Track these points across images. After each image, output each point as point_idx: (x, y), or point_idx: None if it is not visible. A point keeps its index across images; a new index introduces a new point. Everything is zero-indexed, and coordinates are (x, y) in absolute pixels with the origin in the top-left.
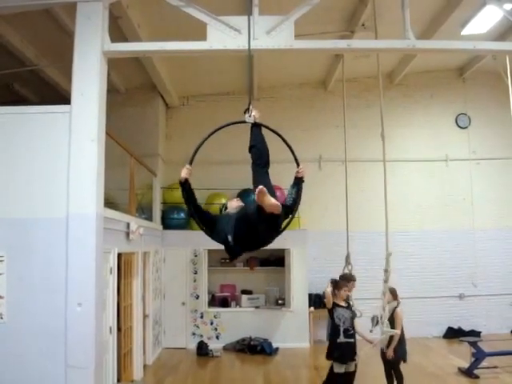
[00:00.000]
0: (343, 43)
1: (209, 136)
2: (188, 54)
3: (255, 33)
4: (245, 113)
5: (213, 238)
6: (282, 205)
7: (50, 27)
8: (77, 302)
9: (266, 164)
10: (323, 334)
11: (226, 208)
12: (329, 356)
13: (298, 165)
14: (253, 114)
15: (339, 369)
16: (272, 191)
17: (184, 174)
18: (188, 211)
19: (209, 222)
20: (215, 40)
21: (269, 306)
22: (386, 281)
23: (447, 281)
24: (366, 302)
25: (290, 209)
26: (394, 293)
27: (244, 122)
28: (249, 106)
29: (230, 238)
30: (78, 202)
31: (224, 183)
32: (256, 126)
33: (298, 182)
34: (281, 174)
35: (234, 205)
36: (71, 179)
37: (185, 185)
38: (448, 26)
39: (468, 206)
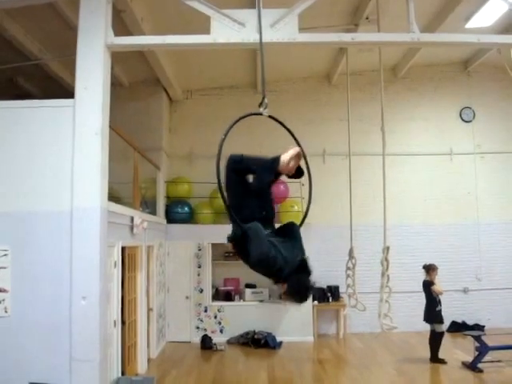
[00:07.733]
0: (347, 36)
1: (224, 137)
2: (192, 47)
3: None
4: (259, 106)
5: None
6: None
7: (53, 21)
8: (81, 295)
9: None
10: (327, 327)
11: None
12: (430, 320)
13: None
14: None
15: (442, 328)
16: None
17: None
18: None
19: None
20: (219, 33)
21: (273, 299)
22: (383, 274)
23: (451, 275)
24: (369, 295)
25: None
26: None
27: (261, 114)
28: (263, 99)
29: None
30: (82, 195)
31: None
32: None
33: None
34: None
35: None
36: (75, 173)
37: None
38: (452, 19)
39: (472, 200)
